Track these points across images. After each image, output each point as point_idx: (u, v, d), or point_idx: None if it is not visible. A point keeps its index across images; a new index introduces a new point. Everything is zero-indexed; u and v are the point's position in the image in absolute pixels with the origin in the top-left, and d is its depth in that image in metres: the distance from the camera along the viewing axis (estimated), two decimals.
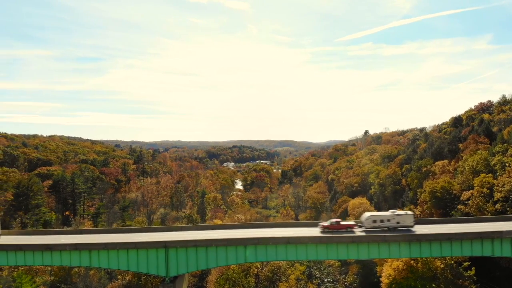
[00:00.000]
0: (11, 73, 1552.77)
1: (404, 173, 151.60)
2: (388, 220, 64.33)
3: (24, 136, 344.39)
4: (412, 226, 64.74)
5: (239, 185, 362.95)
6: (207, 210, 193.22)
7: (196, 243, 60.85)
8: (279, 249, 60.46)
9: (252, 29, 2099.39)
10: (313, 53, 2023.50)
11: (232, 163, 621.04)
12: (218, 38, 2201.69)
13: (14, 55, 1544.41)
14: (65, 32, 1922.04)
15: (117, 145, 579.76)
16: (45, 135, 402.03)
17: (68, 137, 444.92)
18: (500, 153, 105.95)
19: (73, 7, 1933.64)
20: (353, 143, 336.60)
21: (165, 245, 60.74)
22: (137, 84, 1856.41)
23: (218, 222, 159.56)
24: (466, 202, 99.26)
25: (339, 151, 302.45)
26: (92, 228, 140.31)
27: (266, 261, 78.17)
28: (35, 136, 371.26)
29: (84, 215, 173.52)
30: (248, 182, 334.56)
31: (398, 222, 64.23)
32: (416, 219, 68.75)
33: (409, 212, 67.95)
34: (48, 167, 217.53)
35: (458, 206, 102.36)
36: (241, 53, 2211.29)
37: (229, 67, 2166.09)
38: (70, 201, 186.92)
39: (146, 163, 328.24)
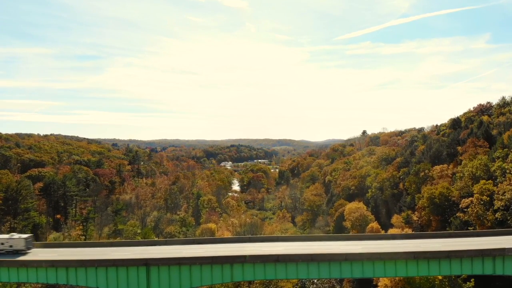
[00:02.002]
0: (10, 71, 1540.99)
1: (401, 177, 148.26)
2: (2, 244, 66.39)
3: (19, 135, 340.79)
4: (25, 250, 66.50)
5: (236, 185, 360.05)
6: (202, 213, 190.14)
7: (179, 261, 57.38)
8: (267, 268, 57.03)
9: (250, 27, 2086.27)
10: (312, 52, 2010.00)
11: (230, 162, 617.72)
12: (216, 37, 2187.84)
13: (12, 53, 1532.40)
14: (64, 30, 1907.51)
15: (114, 144, 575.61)
16: (42, 134, 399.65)
17: (65, 136, 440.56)
18: (500, 159, 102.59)
19: (72, 5, 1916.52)
20: (351, 143, 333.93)
21: (146, 262, 57.24)
22: (136, 83, 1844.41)
23: (212, 226, 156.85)
24: (465, 209, 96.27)
25: (336, 152, 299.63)
26: (81, 234, 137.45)
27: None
28: (30, 135, 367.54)
29: (75, 219, 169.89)
30: (245, 183, 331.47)
31: (11, 246, 66.45)
32: (412, 233, 65.71)
33: (23, 236, 69.17)
34: (40, 169, 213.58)
35: (457, 214, 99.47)
36: (239, 52, 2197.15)
37: (228, 66, 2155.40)
38: (62, 204, 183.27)
39: (142, 163, 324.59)
